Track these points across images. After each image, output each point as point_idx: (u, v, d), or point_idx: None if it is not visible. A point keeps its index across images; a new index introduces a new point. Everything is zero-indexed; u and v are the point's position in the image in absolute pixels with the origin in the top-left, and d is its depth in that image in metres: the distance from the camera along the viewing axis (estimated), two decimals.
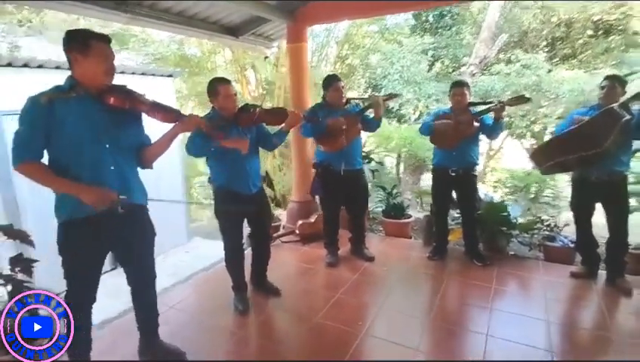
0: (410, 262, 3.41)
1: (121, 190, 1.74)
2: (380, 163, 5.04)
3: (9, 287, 1.96)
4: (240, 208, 2.49)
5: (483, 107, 3.07)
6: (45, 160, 1.67)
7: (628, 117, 2.45)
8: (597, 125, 2.55)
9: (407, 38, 7.65)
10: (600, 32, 8.21)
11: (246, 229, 2.76)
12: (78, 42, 1.62)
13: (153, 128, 1.93)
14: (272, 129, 2.68)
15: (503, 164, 9.30)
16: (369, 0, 3.36)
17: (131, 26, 5.91)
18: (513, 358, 2.11)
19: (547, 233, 3.51)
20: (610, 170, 2.67)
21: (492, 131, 3.07)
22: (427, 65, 7.70)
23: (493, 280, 2.99)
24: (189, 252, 5.00)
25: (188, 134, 2.28)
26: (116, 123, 1.69)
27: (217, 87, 2.40)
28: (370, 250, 3.50)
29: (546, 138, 7.68)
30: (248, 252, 2.80)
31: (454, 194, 3.34)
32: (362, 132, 3.28)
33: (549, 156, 2.83)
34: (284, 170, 6.22)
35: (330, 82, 3.05)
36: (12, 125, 2.37)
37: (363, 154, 4.61)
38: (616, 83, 2.64)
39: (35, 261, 2.09)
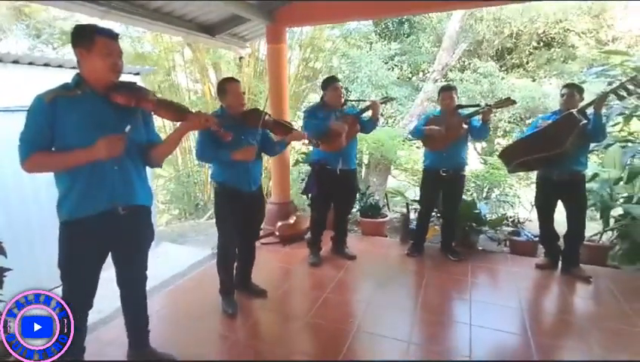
0: (390, 260, 3.52)
1: (122, 190, 1.69)
2: (366, 165, 5.15)
3: None
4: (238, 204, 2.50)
5: (471, 109, 3.25)
6: None
7: (584, 121, 2.75)
8: (558, 128, 2.82)
9: (375, 44, 7.86)
10: (542, 45, 8.99)
11: None
12: (83, 38, 1.58)
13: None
14: None
15: None
16: (351, 0, 3.42)
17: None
18: (497, 344, 2.28)
19: (512, 228, 3.79)
20: (570, 169, 2.93)
21: (480, 133, 3.24)
22: (389, 70, 7.98)
23: (469, 273, 3.18)
24: (158, 258, 4.78)
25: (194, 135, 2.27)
26: (122, 121, 1.62)
27: (226, 85, 2.44)
28: (350, 249, 3.57)
29: (497, 141, 8.26)
30: None
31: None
32: (368, 133, 3.42)
33: (516, 155, 3.07)
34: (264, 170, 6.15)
35: (329, 83, 3.10)
36: None
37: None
38: (575, 90, 2.92)
39: (8, 269, 1.94)
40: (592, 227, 3.64)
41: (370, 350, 2.27)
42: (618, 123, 3.65)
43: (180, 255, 4.59)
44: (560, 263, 3.23)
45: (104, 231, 1.69)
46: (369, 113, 3.14)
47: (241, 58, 5.16)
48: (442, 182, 3.32)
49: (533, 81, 8.00)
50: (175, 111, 1.77)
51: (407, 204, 4.05)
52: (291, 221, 3.90)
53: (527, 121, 6.90)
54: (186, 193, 7.61)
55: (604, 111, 3.05)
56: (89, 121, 1.59)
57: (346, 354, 2.19)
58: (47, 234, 3.12)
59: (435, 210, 3.69)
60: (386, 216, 4.28)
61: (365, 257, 3.53)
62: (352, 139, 3.18)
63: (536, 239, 3.50)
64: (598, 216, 3.48)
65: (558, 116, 2.92)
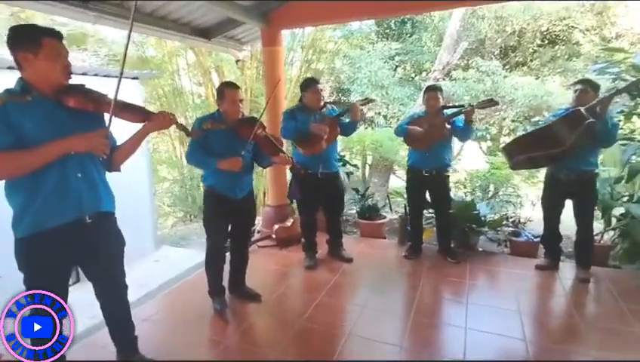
0: (388, 262, 3.48)
1: (89, 198, 1.64)
2: (356, 166, 5.12)
3: None
4: (225, 208, 2.50)
5: (455, 110, 3.21)
6: None
7: (591, 120, 2.59)
8: (564, 125, 2.70)
9: (375, 44, 7.84)
10: (546, 42, 8.87)
11: None
12: (27, 40, 1.46)
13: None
14: None
15: (463, 165, 9.75)
16: (345, 0, 3.41)
17: (91, 25, 5.60)
18: (491, 347, 2.23)
19: (512, 229, 3.73)
20: (578, 169, 2.82)
21: (463, 133, 3.21)
22: (391, 70, 7.94)
23: (467, 275, 3.13)
24: (158, 261, 4.80)
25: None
26: (79, 126, 1.56)
27: (225, 91, 2.43)
28: (348, 252, 3.55)
29: (502, 140, 8.16)
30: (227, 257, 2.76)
31: (428, 195, 3.46)
32: (348, 136, 3.37)
33: (518, 151, 2.96)
34: (260, 171, 6.14)
35: (309, 85, 3.08)
36: None
37: (338, 157, 4.69)
38: (588, 87, 2.77)
39: None
40: (594, 227, 3.56)
41: (361, 355, 2.23)
42: (619, 120, 3.57)
43: (181, 258, 4.61)
44: (560, 264, 3.18)
45: (69, 243, 1.62)
46: (352, 115, 3.10)
47: (238, 61, 5.14)
48: (426, 183, 3.30)
49: (537, 79, 7.87)
50: (137, 112, 1.73)
51: (405, 205, 4.01)
52: (288, 224, 3.88)
53: (534, 119, 6.83)
54: (189, 196, 7.64)
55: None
56: (45, 127, 1.50)
57: (337, 358, 2.16)
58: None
59: (431, 210, 3.65)
60: (385, 217, 4.24)
61: (362, 259, 3.50)
62: (331, 142, 3.16)
63: (537, 239, 3.44)
64: (600, 215, 3.40)
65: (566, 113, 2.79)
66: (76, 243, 1.64)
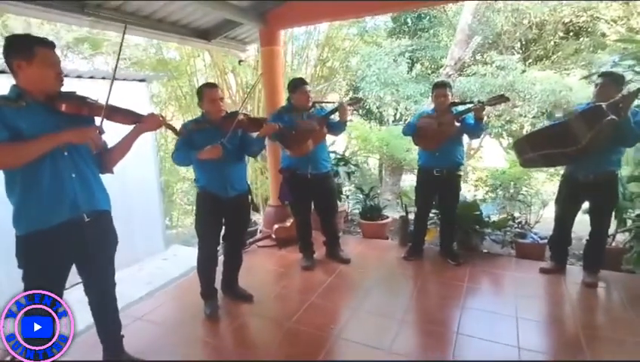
0: (386, 263, 3.42)
1: (84, 197, 1.70)
2: (357, 165, 5.04)
3: None
4: (217, 211, 2.52)
5: (464, 107, 3.09)
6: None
7: (611, 117, 2.37)
8: (581, 122, 2.50)
9: (385, 40, 7.72)
10: (570, 34, 8.47)
11: None
12: (21, 49, 1.55)
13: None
14: None
15: (484, 162, 9.46)
16: (339, 0, 3.36)
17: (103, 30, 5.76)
18: (481, 354, 2.14)
19: (518, 230, 3.58)
20: (597, 169, 2.62)
21: (474, 131, 3.10)
22: (407, 67, 7.81)
23: (466, 278, 3.02)
24: (166, 259, 4.90)
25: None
26: (72, 128, 1.62)
27: (203, 91, 2.45)
28: (347, 252, 3.50)
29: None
30: (221, 259, 2.77)
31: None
32: (336, 135, 3.31)
33: (532, 147, 2.77)
34: (266, 173, 6.17)
35: (297, 86, 3.04)
36: None
37: (339, 156, 4.64)
38: (610, 80, 2.54)
39: None
40: None
41: (345, 358, 2.20)
42: None
43: (188, 256, 4.66)
44: (568, 268, 3.02)
45: (68, 241, 1.68)
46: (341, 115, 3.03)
47: (240, 61, 5.16)
48: (437, 183, 3.19)
49: (556, 73, 7.54)
50: (128, 115, 1.80)
51: (405, 205, 3.92)
52: (288, 224, 3.86)
53: (556, 115, 6.53)
54: None
55: None
56: (41, 130, 1.56)
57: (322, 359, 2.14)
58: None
59: (436, 211, 3.54)
60: (388, 217, 4.16)
61: (360, 261, 3.45)
62: (319, 143, 3.11)
63: (543, 241, 3.29)
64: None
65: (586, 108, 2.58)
66: (74, 241, 1.70)
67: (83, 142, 1.62)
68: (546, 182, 5.67)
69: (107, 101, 1.69)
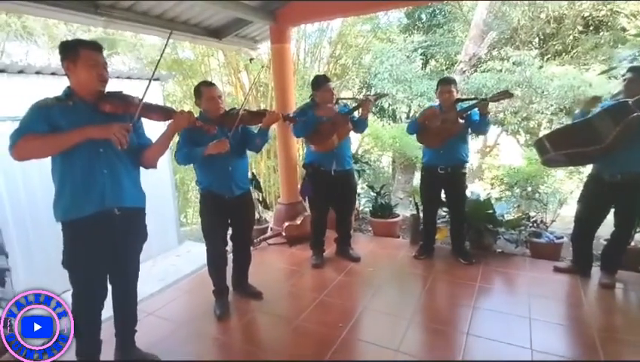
0: (397, 262, 3.38)
1: (113, 193, 1.77)
2: (367, 163, 5.01)
3: None
4: (222, 211, 2.51)
5: (468, 104, 3.03)
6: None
7: (638, 113, 2.26)
8: (606, 119, 2.38)
9: (398, 37, 7.63)
10: (590, 28, 8.22)
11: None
12: (68, 51, 1.66)
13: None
14: None
15: (501, 160, 9.27)
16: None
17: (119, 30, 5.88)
18: (492, 356, 2.09)
19: (533, 229, 3.49)
20: (624, 169, 2.51)
21: (479, 127, 3.05)
22: (421, 63, 7.70)
23: (478, 277, 2.97)
24: (179, 256, 4.97)
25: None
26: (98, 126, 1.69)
27: (201, 89, 2.44)
28: (358, 250, 3.49)
29: (542, 134, 7.67)
30: (230, 256, 2.78)
31: (443, 193, 3.31)
32: (360, 133, 3.31)
33: (554, 145, 2.64)
34: (273, 168, 6.19)
35: (321, 83, 3.03)
36: None
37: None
38: (639, 75, 2.44)
39: (6, 269, 2.08)
40: None
41: (352, 357, 2.19)
42: None
43: (201, 253, 4.69)
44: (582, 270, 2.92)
45: (100, 231, 1.76)
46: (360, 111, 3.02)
47: (251, 59, 5.18)
48: (441, 181, 3.14)
49: (575, 68, 7.32)
50: (161, 112, 1.88)
51: (416, 203, 3.87)
52: (298, 222, 3.87)
53: (576, 112, 6.32)
54: None
55: None
56: (78, 128, 1.65)
57: (329, 359, 2.12)
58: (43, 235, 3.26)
59: (447, 210, 3.49)
60: (398, 215, 4.13)
61: (370, 259, 3.42)
62: (344, 139, 3.09)
63: (559, 241, 3.20)
64: None
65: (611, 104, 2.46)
66: (105, 232, 1.78)
67: (105, 138, 1.67)
68: (565, 180, 5.52)
69: (142, 100, 1.76)
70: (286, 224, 3.88)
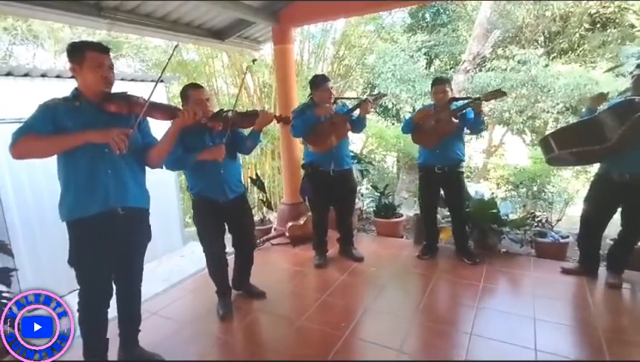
0: (400, 262, 3.37)
1: (116, 193, 1.79)
2: (370, 163, 5.00)
3: None
4: (218, 215, 2.47)
5: (462, 103, 3.03)
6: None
7: None
8: (612, 117, 2.34)
9: (401, 36, 7.61)
10: (597, 26, 8.13)
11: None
12: (75, 53, 1.70)
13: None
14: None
15: (507, 160, 9.20)
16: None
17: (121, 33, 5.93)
18: (496, 356, 2.07)
19: (538, 229, 3.46)
20: (632, 169, 2.47)
21: (474, 125, 3.04)
22: (425, 63, 7.67)
23: (482, 277, 2.95)
24: (184, 256, 5.00)
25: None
26: (116, 127, 1.70)
27: (188, 91, 2.36)
28: (361, 250, 3.48)
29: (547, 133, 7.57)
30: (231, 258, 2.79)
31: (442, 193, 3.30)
32: (357, 133, 3.29)
33: (559, 144, 2.60)
34: (277, 168, 6.19)
35: (319, 83, 3.03)
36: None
37: (352, 154, 4.61)
38: None
39: (13, 270, 2.10)
40: None
41: (355, 358, 2.18)
42: None
43: None
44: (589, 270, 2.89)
45: (104, 230, 1.78)
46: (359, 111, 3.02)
47: (254, 60, 5.17)
48: (439, 180, 3.15)
49: (581, 66, 7.25)
50: (167, 111, 1.90)
51: (420, 203, 3.85)
52: (301, 222, 3.87)
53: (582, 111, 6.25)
54: None
55: None
56: (84, 129, 1.68)
57: (331, 359, 2.12)
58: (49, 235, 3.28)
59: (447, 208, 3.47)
60: (402, 215, 4.11)
61: (373, 259, 3.41)
62: (342, 139, 3.09)
63: (564, 241, 3.17)
64: None
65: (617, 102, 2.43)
66: (109, 231, 1.80)
67: (104, 143, 1.68)
68: (571, 180, 5.46)
69: (147, 101, 1.78)
70: (289, 224, 3.88)
